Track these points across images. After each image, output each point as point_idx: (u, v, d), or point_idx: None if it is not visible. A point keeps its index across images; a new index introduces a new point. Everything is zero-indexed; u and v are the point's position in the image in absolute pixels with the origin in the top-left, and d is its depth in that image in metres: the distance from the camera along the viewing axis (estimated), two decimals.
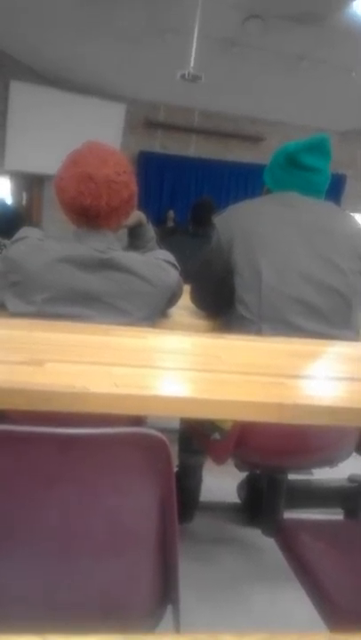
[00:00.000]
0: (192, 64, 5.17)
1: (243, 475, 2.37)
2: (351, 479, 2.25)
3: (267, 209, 1.76)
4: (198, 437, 1.83)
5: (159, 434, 0.82)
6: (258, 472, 2.25)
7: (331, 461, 1.79)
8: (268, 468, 1.96)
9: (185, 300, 1.82)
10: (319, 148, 1.74)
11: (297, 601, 1.20)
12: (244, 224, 1.71)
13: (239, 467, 2.18)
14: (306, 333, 1.56)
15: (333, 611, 1.04)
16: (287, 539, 1.27)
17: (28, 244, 1.51)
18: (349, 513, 2.19)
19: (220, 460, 1.70)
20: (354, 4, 4.66)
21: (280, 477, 1.99)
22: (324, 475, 1.99)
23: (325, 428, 1.57)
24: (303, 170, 1.74)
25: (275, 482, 2.01)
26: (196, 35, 5.03)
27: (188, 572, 1.03)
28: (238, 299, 1.66)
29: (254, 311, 1.62)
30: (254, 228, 1.69)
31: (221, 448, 1.65)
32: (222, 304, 1.80)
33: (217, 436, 1.65)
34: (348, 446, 1.72)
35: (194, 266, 1.86)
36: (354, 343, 1.55)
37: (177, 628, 0.95)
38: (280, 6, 4.87)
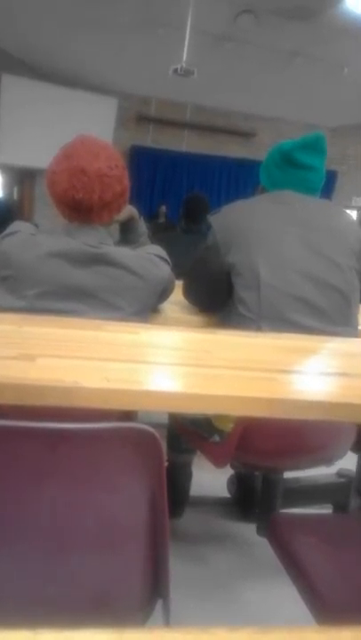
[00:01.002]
0: (185, 59, 5.17)
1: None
2: (340, 474, 2.26)
3: (263, 207, 1.76)
4: (196, 440, 1.82)
5: (150, 428, 0.82)
6: (256, 473, 2.25)
7: (328, 460, 1.80)
8: (267, 468, 1.96)
9: (177, 295, 1.82)
10: (315, 146, 1.74)
11: (288, 597, 1.20)
12: (240, 223, 1.71)
13: (235, 467, 2.19)
14: (306, 331, 1.56)
15: (323, 606, 1.05)
16: (277, 534, 1.27)
17: (20, 239, 1.50)
18: (338, 507, 2.20)
19: (220, 463, 1.69)
20: (347, 0, 4.65)
21: (276, 477, 1.99)
22: (313, 470, 2.00)
23: (324, 427, 1.58)
24: (299, 168, 1.74)
25: (270, 482, 2.01)
26: (188, 29, 5.03)
27: (178, 568, 1.03)
28: (237, 298, 1.66)
29: (254, 310, 1.62)
30: (251, 227, 1.69)
31: (222, 451, 1.64)
32: (216, 300, 1.80)
33: (216, 438, 1.65)
34: (345, 445, 1.72)
35: (187, 262, 1.86)
36: (347, 339, 1.56)
37: (167, 623, 0.95)
38: (272, 2, 4.87)
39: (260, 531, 2.04)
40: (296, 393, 1.01)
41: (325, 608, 1.04)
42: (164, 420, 1.95)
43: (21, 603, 0.83)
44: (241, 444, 1.58)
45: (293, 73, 6.48)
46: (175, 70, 5.20)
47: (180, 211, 3.94)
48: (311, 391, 1.04)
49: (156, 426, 0.86)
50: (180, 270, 1.75)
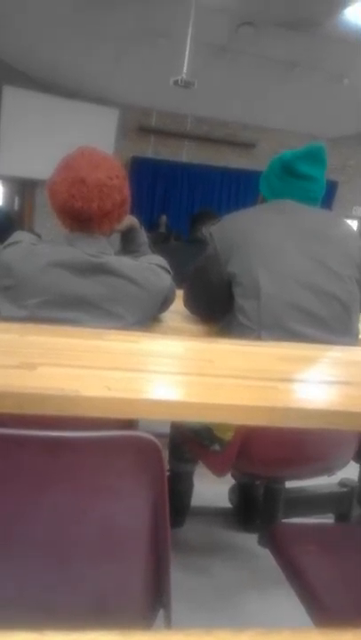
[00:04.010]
0: (185, 70, 5.20)
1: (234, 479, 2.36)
2: (342, 483, 2.25)
3: (263, 217, 1.76)
4: (196, 449, 1.81)
5: (151, 437, 0.82)
6: (257, 482, 2.24)
7: (330, 470, 1.79)
8: (268, 478, 1.95)
9: (178, 304, 1.82)
10: (315, 156, 1.75)
11: (290, 607, 1.19)
12: (240, 233, 1.71)
13: (236, 477, 2.17)
14: (306, 340, 1.56)
15: (325, 615, 1.05)
16: (279, 543, 1.27)
17: (21, 248, 1.51)
18: (341, 517, 2.19)
19: (220, 472, 1.68)
20: (346, 11, 4.69)
21: (278, 487, 1.98)
22: (315, 480, 2.00)
23: (325, 437, 1.57)
24: (299, 178, 1.75)
25: (272, 492, 1.99)
26: (189, 41, 5.06)
27: (180, 578, 1.03)
28: (238, 307, 1.66)
29: (254, 319, 1.62)
30: (251, 237, 1.69)
31: (222, 460, 1.64)
32: (216, 310, 1.80)
33: (217, 447, 1.64)
34: (346, 455, 1.72)
35: (188, 272, 1.86)
36: (347, 347, 1.56)
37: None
38: (272, 13, 4.91)
39: (262, 541, 2.02)
40: (297, 402, 1.01)
41: (328, 617, 1.03)
42: (166, 429, 1.95)
43: (23, 610, 0.82)
44: (241, 453, 1.58)
45: (293, 84, 6.52)
46: (176, 82, 5.24)
47: (186, 222, 4.01)
48: (312, 400, 1.04)
49: (158, 436, 0.86)
50: (180, 280, 1.76)
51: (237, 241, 1.70)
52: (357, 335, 1.72)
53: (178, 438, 1.97)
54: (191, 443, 1.84)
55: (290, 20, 4.99)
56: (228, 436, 1.60)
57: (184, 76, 5.21)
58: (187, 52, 5.15)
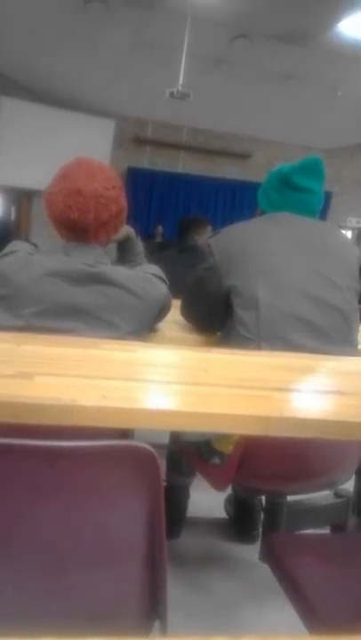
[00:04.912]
0: (181, 82, 5.23)
1: (230, 489, 2.35)
2: (337, 494, 2.24)
3: (261, 228, 1.77)
4: (195, 462, 1.80)
5: (148, 446, 0.82)
6: (259, 497, 2.22)
7: (332, 485, 1.78)
8: (269, 492, 1.94)
9: (174, 314, 1.83)
10: (312, 169, 1.77)
11: (286, 618, 1.19)
12: (239, 244, 1.72)
13: (237, 492, 2.15)
14: (305, 350, 1.56)
15: (320, 625, 1.04)
16: (275, 554, 1.27)
17: (18, 258, 1.51)
18: (336, 528, 2.19)
19: (221, 486, 1.67)
20: (340, 24, 4.74)
21: (280, 502, 1.97)
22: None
23: (327, 451, 1.57)
24: (297, 191, 1.76)
25: (274, 506, 1.98)
26: (184, 53, 5.09)
27: (175, 589, 1.03)
28: (237, 318, 1.66)
29: (253, 330, 1.62)
30: (250, 248, 1.70)
31: (222, 474, 1.62)
32: (213, 320, 1.81)
33: (217, 460, 1.63)
34: (349, 469, 1.71)
35: (183, 280, 1.87)
36: (343, 357, 1.56)
37: None
38: (267, 26, 4.95)
39: (262, 556, 2.00)
40: (293, 411, 1.02)
41: (323, 628, 1.03)
42: (163, 440, 1.94)
43: (19, 619, 0.82)
44: (241, 466, 1.56)
45: (288, 95, 6.56)
46: (171, 93, 5.26)
47: (176, 230, 4.02)
48: (308, 409, 1.04)
49: (155, 445, 0.86)
50: (177, 289, 1.76)
51: (236, 252, 1.70)
52: (357, 345, 1.72)
53: (176, 451, 1.97)
54: (190, 456, 1.83)
55: (284, 32, 5.03)
56: (229, 449, 1.59)
57: (180, 87, 5.24)
58: (182, 64, 5.18)
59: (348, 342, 1.68)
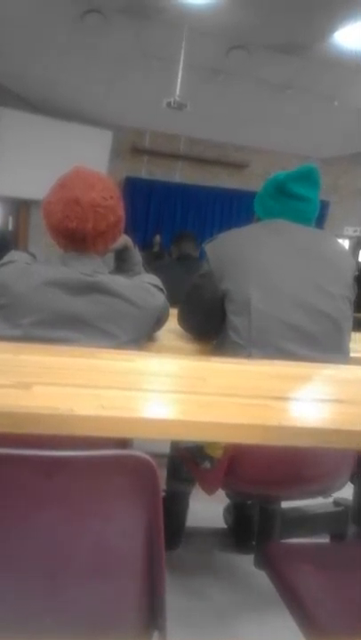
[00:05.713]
0: (178, 92, 5.26)
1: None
2: (336, 502, 2.24)
3: (256, 235, 1.78)
4: (190, 466, 1.81)
5: (147, 456, 0.82)
6: (249, 502, 2.22)
7: (325, 492, 1.78)
8: (261, 498, 1.94)
9: (172, 323, 1.83)
10: (308, 177, 1.78)
11: (285, 628, 1.19)
12: (233, 251, 1.73)
13: (230, 496, 2.15)
14: (297, 358, 1.56)
15: (318, 634, 1.04)
16: (273, 563, 1.26)
17: (16, 268, 1.52)
18: (335, 536, 2.18)
19: (210, 490, 1.67)
20: (336, 34, 4.77)
21: (273, 508, 1.96)
22: (309, 499, 1.98)
23: (319, 458, 1.57)
24: (293, 199, 1.77)
25: (268, 513, 1.98)
26: (181, 64, 5.13)
27: (174, 600, 1.02)
28: (229, 324, 1.67)
29: (244, 336, 1.62)
30: (244, 254, 1.71)
31: (212, 478, 1.63)
32: (210, 327, 1.81)
33: (207, 464, 1.64)
34: (343, 476, 1.70)
35: (182, 290, 1.87)
36: (340, 366, 1.56)
37: None
38: (263, 37, 4.98)
39: (258, 563, 2.00)
40: (290, 420, 1.02)
41: (323, 637, 1.03)
42: (162, 449, 1.94)
43: (16, 629, 0.81)
44: (230, 471, 1.57)
45: (285, 105, 6.59)
46: (169, 103, 5.29)
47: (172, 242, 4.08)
48: (305, 418, 1.04)
49: (154, 455, 0.86)
50: (174, 298, 1.77)
51: (231, 258, 1.71)
52: (348, 353, 1.72)
53: (177, 457, 1.97)
54: (187, 461, 1.83)
55: (281, 43, 5.06)
56: (218, 454, 1.59)
57: (177, 97, 5.26)
58: (179, 75, 5.21)
59: (339, 350, 1.69)
